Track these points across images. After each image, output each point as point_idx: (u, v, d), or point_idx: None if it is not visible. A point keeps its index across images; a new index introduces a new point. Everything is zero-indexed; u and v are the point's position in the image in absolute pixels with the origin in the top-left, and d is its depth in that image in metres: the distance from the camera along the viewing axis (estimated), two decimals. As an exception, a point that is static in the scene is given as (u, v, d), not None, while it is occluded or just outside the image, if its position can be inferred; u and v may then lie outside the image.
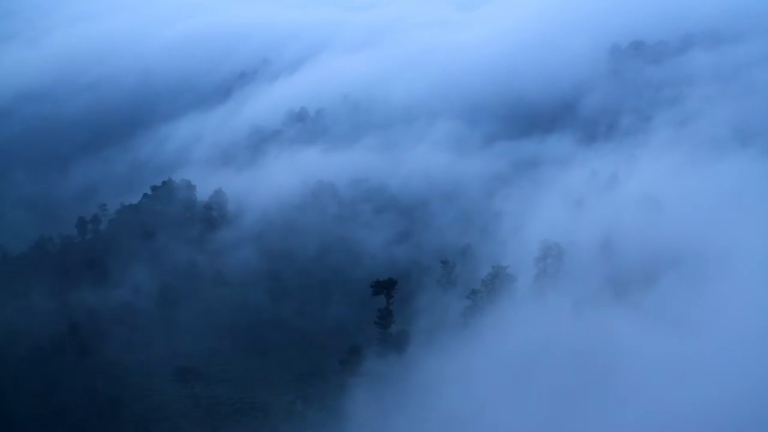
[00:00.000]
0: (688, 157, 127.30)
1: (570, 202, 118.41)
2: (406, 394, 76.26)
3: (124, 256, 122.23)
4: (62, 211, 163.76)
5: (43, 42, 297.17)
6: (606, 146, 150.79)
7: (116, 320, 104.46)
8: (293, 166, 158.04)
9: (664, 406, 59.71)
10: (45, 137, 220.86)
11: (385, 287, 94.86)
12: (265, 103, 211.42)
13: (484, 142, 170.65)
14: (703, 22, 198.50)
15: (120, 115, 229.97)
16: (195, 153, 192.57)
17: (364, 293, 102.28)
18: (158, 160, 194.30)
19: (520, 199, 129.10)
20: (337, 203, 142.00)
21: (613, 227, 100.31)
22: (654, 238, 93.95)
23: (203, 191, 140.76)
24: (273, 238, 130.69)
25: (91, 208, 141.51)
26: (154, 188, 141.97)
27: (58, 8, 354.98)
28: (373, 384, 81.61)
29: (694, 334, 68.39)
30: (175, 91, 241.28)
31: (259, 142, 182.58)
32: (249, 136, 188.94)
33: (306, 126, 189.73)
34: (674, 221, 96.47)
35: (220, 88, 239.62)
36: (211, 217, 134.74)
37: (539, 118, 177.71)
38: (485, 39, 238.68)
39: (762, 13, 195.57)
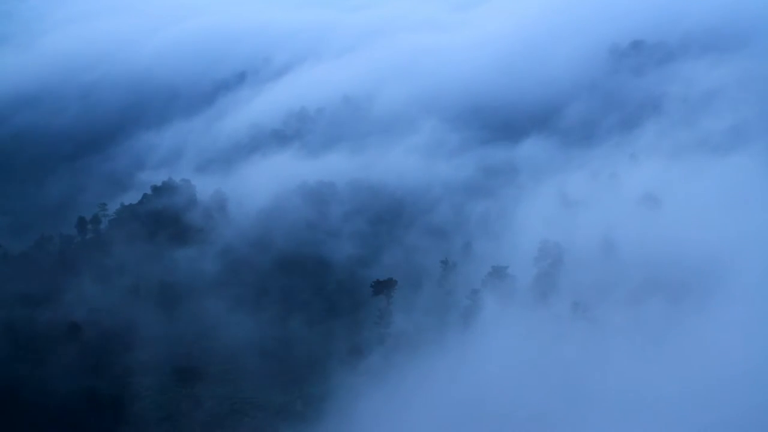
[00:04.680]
0: (688, 157, 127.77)
1: (567, 203, 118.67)
2: (404, 394, 76.63)
3: (123, 256, 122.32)
4: (59, 211, 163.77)
5: (38, 44, 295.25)
6: (603, 147, 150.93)
7: (116, 320, 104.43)
8: (290, 168, 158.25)
9: (659, 407, 60.14)
10: (40, 140, 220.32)
11: (385, 287, 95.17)
12: (254, 107, 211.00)
13: (479, 145, 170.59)
14: (703, 22, 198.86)
15: (115, 118, 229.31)
16: (185, 157, 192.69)
17: (363, 293, 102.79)
18: (153, 163, 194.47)
19: (519, 201, 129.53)
20: (335, 204, 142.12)
21: (609, 228, 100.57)
22: (651, 239, 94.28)
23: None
24: (270, 238, 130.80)
25: (90, 209, 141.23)
26: (154, 188, 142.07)
27: (55, 10, 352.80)
28: (373, 384, 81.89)
29: (687, 337, 68.85)
30: (163, 96, 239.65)
31: (252, 145, 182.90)
32: (234, 142, 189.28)
33: (298, 129, 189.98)
34: (672, 222, 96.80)
35: (208, 93, 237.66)
36: (210, 217, 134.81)
37: (534, 119, 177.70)
38: (481, 41, 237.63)
39: (762, 14, 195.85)
